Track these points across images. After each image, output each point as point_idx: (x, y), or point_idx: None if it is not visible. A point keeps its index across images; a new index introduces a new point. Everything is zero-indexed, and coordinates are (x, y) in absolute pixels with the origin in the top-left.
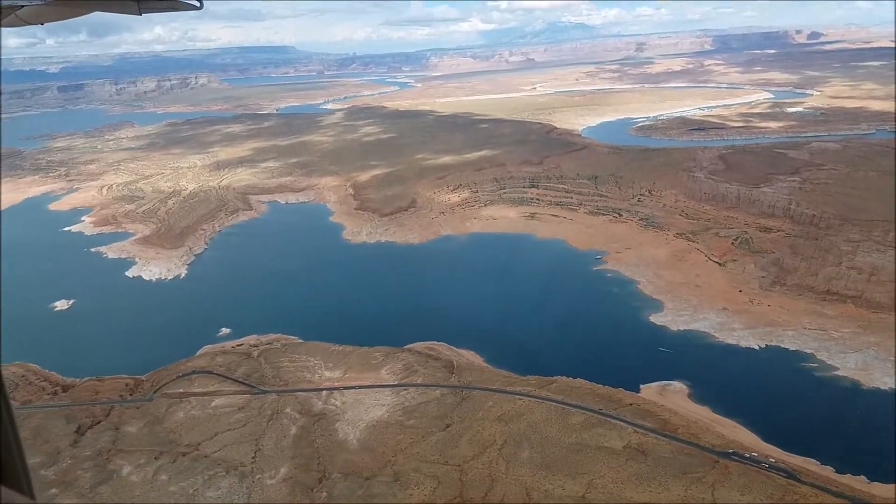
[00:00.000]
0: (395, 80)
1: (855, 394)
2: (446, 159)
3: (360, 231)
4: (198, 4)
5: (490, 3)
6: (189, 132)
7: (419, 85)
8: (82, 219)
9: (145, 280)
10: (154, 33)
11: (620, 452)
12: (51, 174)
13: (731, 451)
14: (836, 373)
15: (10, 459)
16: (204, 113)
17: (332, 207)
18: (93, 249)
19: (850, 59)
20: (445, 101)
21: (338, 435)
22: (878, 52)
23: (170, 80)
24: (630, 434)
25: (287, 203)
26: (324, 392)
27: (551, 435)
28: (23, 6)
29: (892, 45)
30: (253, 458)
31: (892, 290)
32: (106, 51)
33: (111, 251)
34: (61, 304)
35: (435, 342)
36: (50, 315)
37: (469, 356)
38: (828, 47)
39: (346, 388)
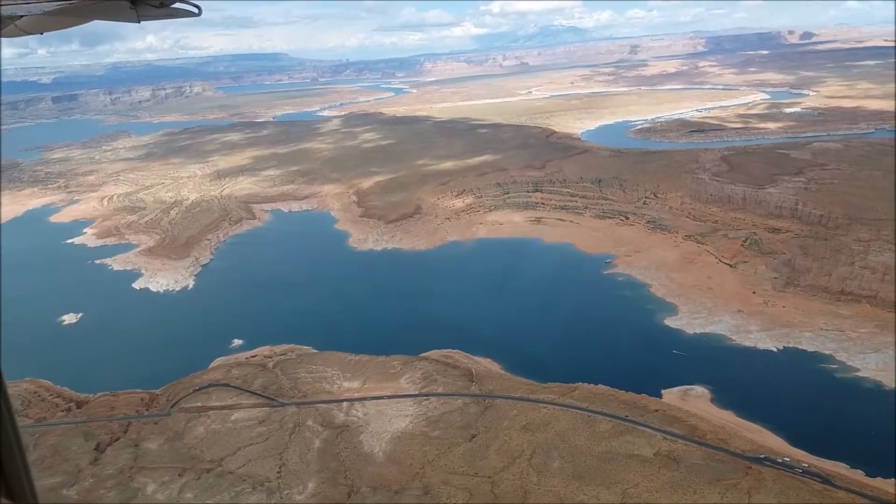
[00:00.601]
0: (389, 85)
1: (878, 395)
2: (448, 165)
3: (367, 238)
4: (196, 11)
5: (482, 7)
6: (187, 141)
7: (414, 90)
8: (84, 231)
9: (153, 292)
10: (146, 42)
11: (652, 460)
12: (50, 186)
13: (762, 455)
14: (858, 374)
15: (17, 476)
16: (200, 122)
17: (337, 215)
18: (97, 261)
19: (844, 59)
20: (442, 107)
21: (363, 447)
22: (871, 52)
23: (164, 90)
24: (659, 441)
25: (290, 211)
26: (344, 403)
27: (580, 444)
28: (22, 16)
29: (886, 44)
30: (278, 473)
31: None
32: (98, 60)
33: (116, 263)
34: (69, 318)
35: (450, 350)
36: (58, 329)
37: (486, 364)
38: (821, 47)
39: (366, 398)
